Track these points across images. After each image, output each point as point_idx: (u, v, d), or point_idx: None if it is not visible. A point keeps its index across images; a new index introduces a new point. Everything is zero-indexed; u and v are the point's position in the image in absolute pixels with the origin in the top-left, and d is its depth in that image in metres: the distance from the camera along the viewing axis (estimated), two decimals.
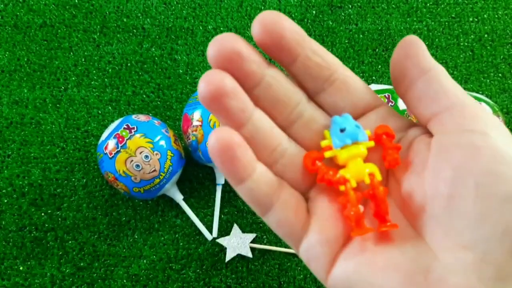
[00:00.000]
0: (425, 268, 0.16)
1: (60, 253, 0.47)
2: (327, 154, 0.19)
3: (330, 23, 0.57)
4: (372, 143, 0.19)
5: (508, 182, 0.15)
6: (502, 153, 0.16)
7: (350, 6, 0.58)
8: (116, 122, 0.45)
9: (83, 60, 0.54)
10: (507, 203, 0.15)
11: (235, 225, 0.48)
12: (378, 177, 0.18)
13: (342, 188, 0.18)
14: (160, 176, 0.44)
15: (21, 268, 0.47)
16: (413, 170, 0.18)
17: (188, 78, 0.54)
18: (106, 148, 0.44)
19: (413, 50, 0.18)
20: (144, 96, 0.53)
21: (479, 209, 0.16)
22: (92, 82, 0.54)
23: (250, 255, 0.47)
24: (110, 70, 0.54)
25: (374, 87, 0.48)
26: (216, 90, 0.16)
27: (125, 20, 0.56)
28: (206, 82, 0.16)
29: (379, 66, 0.55)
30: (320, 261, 0.18)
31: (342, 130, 0.18)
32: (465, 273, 0.16)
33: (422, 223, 0.17)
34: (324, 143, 0.19)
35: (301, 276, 0.46)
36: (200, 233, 0.48)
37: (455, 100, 0.17)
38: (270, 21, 0.17)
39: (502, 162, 0.16)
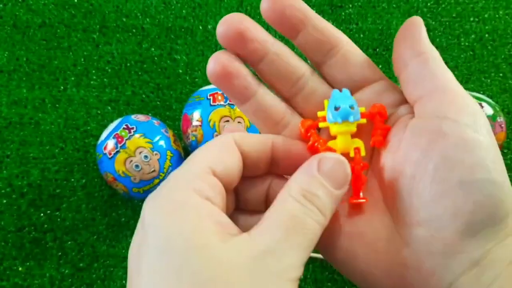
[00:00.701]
0: (386, 238, 0.19)
1: (59, 253, 0.47)
2: (321, 124, 0.20)
3: (331, 22, 0.57)
4: (364, 121, 0.20)
5: (464, 169, 0.17)
6: (466, 141, 0.17)
7: (351, 6, 0.58)
8: (116, 122, 0.45)
9: (82, 60, 0.54)
10: (459, 189, 0.17)
11: None
12: (362, 152, 0.20)
13: None
14: (160, 177, 0.44)
15: (20, 268, 0.46)
16: (389, 148, 0.20)
17: (187, 78, 0.54)
18: (105, 148, 0.44)
19: (410, 32, 0.19)
20: (144, 96, 0.53)
21: (434, 191, 0.17)
22: (91, 82, 0.53)
23: None
24: (109, 70, 0.54)
25: None
26: (222, 70, 0.19)
27: (124, 19, 0.56)
28: (214, 62, 0.19)
29: (380, 66, 0.55)
30: None
31: (336, 108, 0.20)
32: (416, 246, 0.18)
33: (389, 199, 0.19)
34: (320, 114, 0.20)
35: (301, 276, 0.46)
36: None
37: (437, 85, 0.18)
38: (274, 0, 0.19)
39: (463, 149, 0.17)
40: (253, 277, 0.15)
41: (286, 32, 0.20)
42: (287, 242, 0.16)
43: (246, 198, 0.21)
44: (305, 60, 0.22)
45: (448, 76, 0.18)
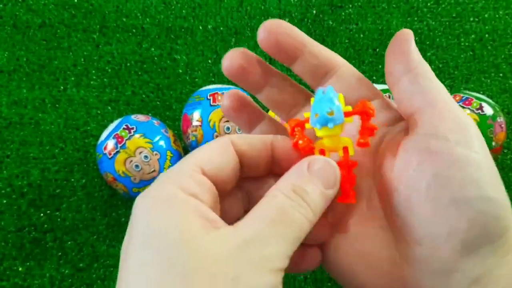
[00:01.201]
0: (387, 257, 0.19)
1: (59, 253, 0.47)
2: (307, 125, 0.20)
3: (331, 22, 0.57)
4: (350, 120, 0.20)
5: (454, 186, 0.17)
6: (456, 159, 0.17)
7: (351, 6, 0.58)
8: (116, 122, 0.45)
9: (82, 60, 0.54)
10: (452, 207, 0.17)
11: None
12: (351, 152, 0.20)
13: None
14: None
15: (20, 269, 0.46)
16: (386, 166, 0.19)
17: (187, 78, 0.54)
18: (105, 148, 0.43)
19: (399, 47, 0.19)
20: (144, 96, 0.53)
21: (428, 209, 0.17)
22: (91, 82, 0.53)
23: None
24: (109, 70, 0.54)
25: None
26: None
27: (124, 19, 0.56)
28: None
29: (380, 66, 0.55)
30: None
31: (316, 114, 0.19)
32: (416, 265, 0.18)
33: (389, 216, 0.19)
34: (306, 114, 0.20)
35: (301, 277, 0.46)
36: None
37: (428, 101, 0.18)
38: (269, 30, 0.20)
39: (453, 167, 0.17)
40: (236, 266, 0.15)
41: (283, 60, 0.21)
42: (271, 232, 0.16)
43: (258, 197, 0.21)
44: (301, 82, 0.23)
45: (439, 91, 0.18)
